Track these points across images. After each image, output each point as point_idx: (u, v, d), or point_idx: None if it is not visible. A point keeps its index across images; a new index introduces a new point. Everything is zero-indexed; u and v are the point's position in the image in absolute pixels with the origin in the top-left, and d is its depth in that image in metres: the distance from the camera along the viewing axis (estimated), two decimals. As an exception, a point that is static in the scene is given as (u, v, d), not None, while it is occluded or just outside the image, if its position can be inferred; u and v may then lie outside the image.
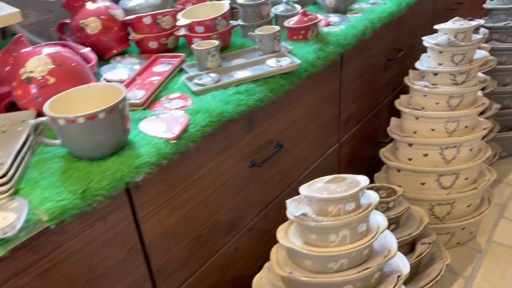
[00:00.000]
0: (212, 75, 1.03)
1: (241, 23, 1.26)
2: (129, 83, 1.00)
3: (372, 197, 0.92)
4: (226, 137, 1.02)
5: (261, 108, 1.04)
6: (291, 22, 1.22)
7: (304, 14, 1.22)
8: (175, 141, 0.82)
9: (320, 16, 1.39)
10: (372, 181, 1.71)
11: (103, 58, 1.17)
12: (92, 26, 1.13)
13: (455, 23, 1.39)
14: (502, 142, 2.06)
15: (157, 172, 0.83)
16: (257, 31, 1.12)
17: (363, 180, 0.89)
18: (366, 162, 1.76)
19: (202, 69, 1.07)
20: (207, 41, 1.09)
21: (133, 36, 1.17)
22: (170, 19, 1.17)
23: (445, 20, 2.13)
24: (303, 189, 0.92)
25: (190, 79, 1.02)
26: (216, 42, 1.07)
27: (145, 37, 1.16)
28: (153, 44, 1.17)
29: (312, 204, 0.90)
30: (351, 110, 1.55)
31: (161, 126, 0.85)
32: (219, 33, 1.14)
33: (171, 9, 1.18)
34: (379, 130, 1.79)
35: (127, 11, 1.28)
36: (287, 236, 0.95)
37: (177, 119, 0.86)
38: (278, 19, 1.31)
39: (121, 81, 1.02)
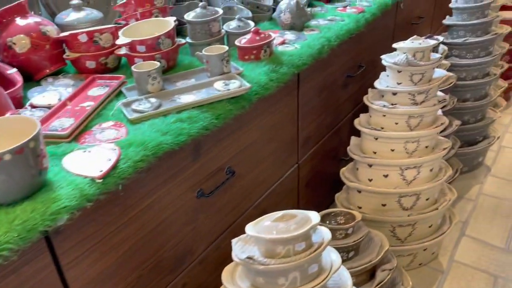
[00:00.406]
0: (152, 100, 0.94)
1: (189, 41, 1.18)
2: (58, 109, 0.90)
3: (325, 234, 0.86)
4: (168, 168, 0.93)
5: (208, 135, 0.96)
6: (242, 41, 1.15)
7: (256, 32, 1.15)
8: (101, 180, 0.72)
9: (274, 34, 1.32)
10: (333, 201, 1.65)
11: (34, 79, 1.06)
12: (21, 44, 1.02)
13: (413, 42, 1.35)
14: (463, 157, 2.05)
15: (84, 213, 0.73)
16: (204, 51, 1.04)
17: (314, 217, 0.82)
18: (328, 180, 1.70)
19: (142, 93, 0.98)
20: (148, 62, 1.00)
21: (68, 54, 1.07)
22: (109, 36, 1.07)
23: (406, 34, 2.12)
24: (249, 228, 0.84)
25: (127, 104, 0.93)
26: (157, 64, 0.98)
27: (81, 56, 1.06)
28: (90, 64, 1.07)
29: (259, 244, 0.82)
30: (310, 130, 1.49)
31: (87, 162, 0.75)
32: (162, 53, 1.06)
33: (111, 26, 1.08)
34: (340, 148, 1.74)
35: (64, 27, 1.17)
36: (234, 279, 0.87)
37: (106, 154, 0.77)
38: (230, 37, 1.24)
39: (49, 107, 0.92)
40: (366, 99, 1.46)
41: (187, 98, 0.96)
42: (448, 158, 1.88)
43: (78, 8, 1.19)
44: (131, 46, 1.04)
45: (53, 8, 1.23)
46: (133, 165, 0.77)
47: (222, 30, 1.23)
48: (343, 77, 1.61)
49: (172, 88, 1.00)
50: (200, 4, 1.16)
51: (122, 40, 1.03)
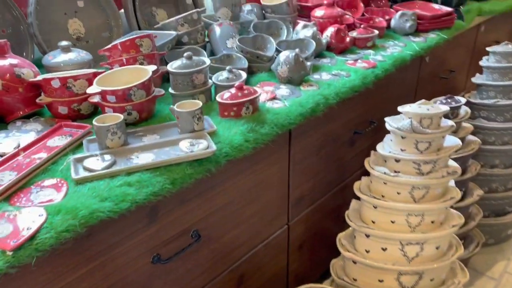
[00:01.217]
0: (107, 157, 0.88)
1: (171, 91, 1.12)
2: (6, 160, 0.86)
3: None
4: (123, 228, 0.86)
5: (168, 197, 0.89)
6: (224, 96, 1.07)
7: (240, 88, 1.07)
8: (12, 252, 0.66)
9: (269, 87, 1.25)
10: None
11: (6, 120, 1.04)
12: (-7, 85, 1.00)
13: (420, 107, 1.22)
14: (489, 228, 1.84)
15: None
16: (176, 107, 0.98)
17: None
18: (328, 242, 1.56)
19: (102, 147, 0.92)
20: (112, 115, 0.95)
21: (41, 98, 1.04)
22: (84, 83, 1.03)
23: (433, 88, 1.98)
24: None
25: (80, 160, 0.87)
26: (120, 118, 0.93)
27: (54, 101, 1.02)
28: (63, 109, 1.04)
29: None
30: (304, 188, 1.37)
31: (6, 228, 0.69)
32: (134, 104, 1.00)
33: (88, 72, 1.04)
34: (345, 207, 1.60)
35: (50, 68, 1.15)
36: None
37: (30, 220, 0.70)
38: (218, 89, 1.17)
39: (1, 155, 0.88)
40: (367, 163, 1.34)
41: (145, 158, 0.89)
42: (469, 230, 1.70)
43: (66, 49, 1.17)
44: (102, 95, 1.00)
45: (45, 48, 1.22)
46: (55, 236, 0.70)
47: (210, 81, 1.16)
48: (350, 133, 1.49)
49: (135, 145, 0.94)
50: (185, 54, 1.11)
51: (92, 88, 0.99)
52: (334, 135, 1.41)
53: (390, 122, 1.25)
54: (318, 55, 1.54)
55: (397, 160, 1.26)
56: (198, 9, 1.46)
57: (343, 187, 1.58)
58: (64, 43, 1.17)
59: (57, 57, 1.16)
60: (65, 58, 1.16)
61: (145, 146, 0.93)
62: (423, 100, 1.25)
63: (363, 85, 1.35)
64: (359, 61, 1.47)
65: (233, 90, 1.08)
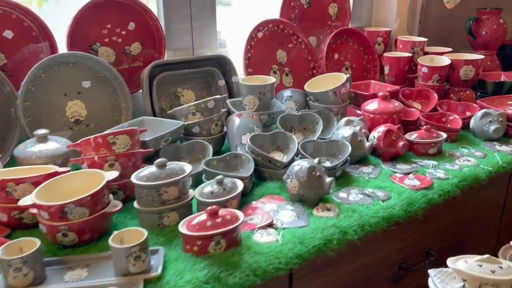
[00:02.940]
0: (-4, 304, 0.66)
1: (135, 206, 0.89)
2: None
3: None
4: None
5: None
6: (192, 222, 0.81)
7: (212, 214, 0.80)
8: None
9: (272, 206, 0.97)
10: None
11: None
12: None
13: (481, 265, 0.83)
14: None
15: None
16: (110, 240, 0.74)
17: None
18: None
19: (4, 285, 0.71)
20: (28, 240, 0.74)
21: (-21, 201, 0.88)
22: (28, 187, 0.85)
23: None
24: None
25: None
26: (35, 245, 0.71)
27: (-8, 206, 0.86)
28: (2, 216, 0.86)
29: None
30: None
31: None
32: (71, 225, 0.79)
33: (34, 175, 0.86)
34: None
35: (20, 159, 1.01)
36: None
37: None
38: (200, 206, 0.92)
39: None
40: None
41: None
42: None
43: (42, 138, 1.02)
44: (37, 208, 0.80)
45: (29, 133, 1.10)
46: None
47: (190, 193, 0.92)
48: (392, 268, 1.12)
49: (49, 286, 0.71)
50: (157, 161, 0.88)
51: (25, 200, 0.80)
52: (365, 272, 1.06)
53: (434, 279, 0.87)
54: (360, 160, 1.22)
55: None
56: (218, 96, 1.25)
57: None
58: (41, 131, 1.02)
59: (29, 147, 1.01)
60: (40, 149, 1.01)
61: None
62: (487, 256, 0.86)
63: (406, 214, 0.99)
64: (410, 175, 1.12)
65: (202, 216, 0.81)
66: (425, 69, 1.57)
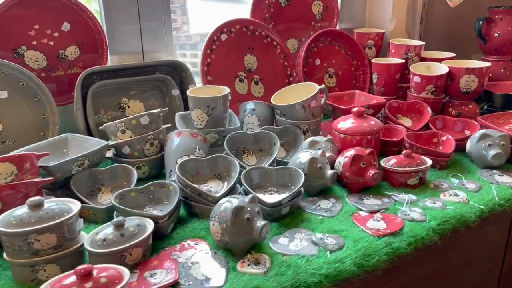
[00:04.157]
0: None
1: (4, 256, 0.71)
2: None
3: None
4: None
5: None
6: (57, 285, 0.62)
7: (82, 276, 0.61)
8: None
9: (189, 254, 0.77)
10: None
11: None
12: None
13: None
14: None
15: None
16: None
17: None
18: None
19: None
20: None
21: None
22: None
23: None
24: None
25: None
26: None
27: None
28: None
29: None
30: None
31: None
32: None
33: None
34: None
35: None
36: None
37: None
38: (91, 257, 0.73)
39: None
40: None
41: None
42: None
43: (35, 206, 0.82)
44: None
45: None
46: None
47: (80, 238, 0.73)
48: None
49: None
50: (28, 200, 0.70)
51: None
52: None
53: None
54: (321, 191, 1.00)
55: None
56: (155, 111, 1.06)
57: None
58: (33, 199, 0.84)
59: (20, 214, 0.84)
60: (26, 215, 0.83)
61: None
62: None
63: (359, 270, 0.77)
64: (377, 215, 0.90)
65: (70, 279, 0.62)
66: (417, 79, 1.33)
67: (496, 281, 1.19)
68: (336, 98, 1.40)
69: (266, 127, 1.17)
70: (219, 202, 0.80)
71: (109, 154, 1.06)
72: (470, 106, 1.38)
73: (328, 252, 0.79)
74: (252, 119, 1.22)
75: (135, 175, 0.95)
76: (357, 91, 1.43)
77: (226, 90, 1.13)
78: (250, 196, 0.80)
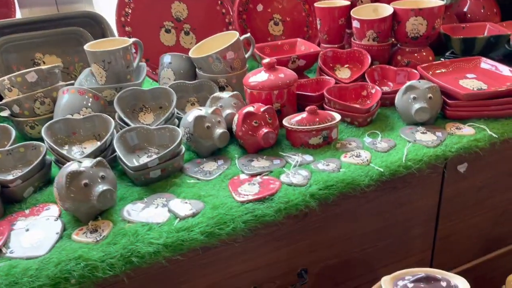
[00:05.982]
0: None
1: None
2: None
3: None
4: None
5: None
6: None
7: None
8: None
9: (29, 221, 0.74)
10: None
11: None
12: None
13: None
14: None
15: None
16: None
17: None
18: None
19: None
20: None
21: None
22: None
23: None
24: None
25: None
26: None
27: None
28: None
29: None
30: None
31: None
32: None
33: None
34: None
35: None
36: None
37: None
38: None
39: None
40: None
41: None
42: None
43: None
44: None
45: None
46: None
47: None
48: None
49: None
50: None
51: None
52: None
53: None
54: (217, 151, 0.93)
55: None
56: (44, 67, 0.99)
57: None
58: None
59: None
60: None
61: None
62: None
63: (209, 239, 0.70)
64: (256, 178, 0.81)
65: None
66: (356, 23, 1.18)
67: (431, 247, 1.10)
68: (274, 48, 1.28)
69: (178, 81, 1.09)
70: (64, 166, 0.74)
71: (6, 113, 1.03)
72: (424, 53, 1.22)
73: (177, 219, 0.72)
74: (167, 73, 1.14)
75: (13, 134, 0.91)
76: (299, 39, 1.30)
77: (125, 43, 1.04)
78: (96, 160, 0.74)
